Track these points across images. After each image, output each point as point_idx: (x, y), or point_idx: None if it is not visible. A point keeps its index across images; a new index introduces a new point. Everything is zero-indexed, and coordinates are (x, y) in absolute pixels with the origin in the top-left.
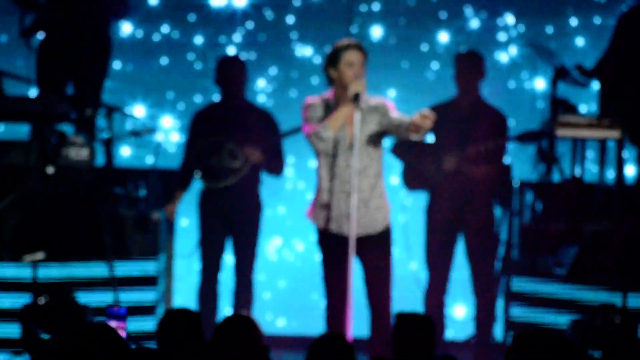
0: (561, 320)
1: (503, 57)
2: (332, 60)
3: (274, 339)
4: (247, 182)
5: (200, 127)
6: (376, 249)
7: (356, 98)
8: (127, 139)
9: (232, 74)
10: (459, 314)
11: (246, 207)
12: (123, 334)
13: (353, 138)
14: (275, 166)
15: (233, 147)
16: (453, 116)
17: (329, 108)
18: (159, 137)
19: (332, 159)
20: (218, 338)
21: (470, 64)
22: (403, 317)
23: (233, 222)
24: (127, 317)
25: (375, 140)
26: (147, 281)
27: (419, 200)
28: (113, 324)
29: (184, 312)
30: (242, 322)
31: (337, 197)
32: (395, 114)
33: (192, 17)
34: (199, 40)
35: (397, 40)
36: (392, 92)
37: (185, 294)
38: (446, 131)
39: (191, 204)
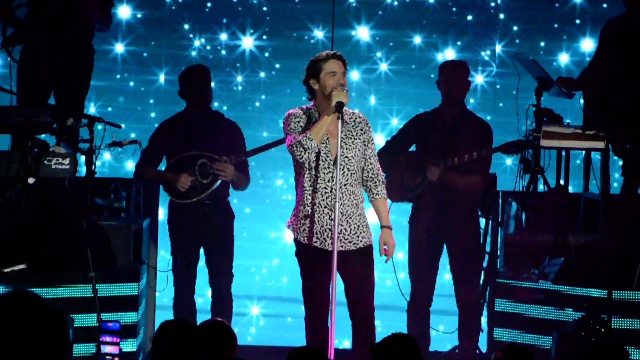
0: (546, 340)
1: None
2: (313, 71)
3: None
4: (217, 194)
5: (165, 137)
6: (358, 261)
7: (339, 107)
8: (109, 150)
9: (196, 84)
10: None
11: (218, 218)
12: (117, 348)
13: (337, 150)
14: (241, 182)
15: (205, 162)
16: (438, 126)
17: (311, 119)
18: (141, 147)
19: (315, 171)
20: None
21: (456, 74)
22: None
23: (205, 233)
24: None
25: (360, 156)
26: (128, 303)
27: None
28: (107, 339)
29: (180, 323)
30: (216, 328)
31: (320, 211)
32: (372, 151)
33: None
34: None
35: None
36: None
37: (163, 306)
38: (431, 141)
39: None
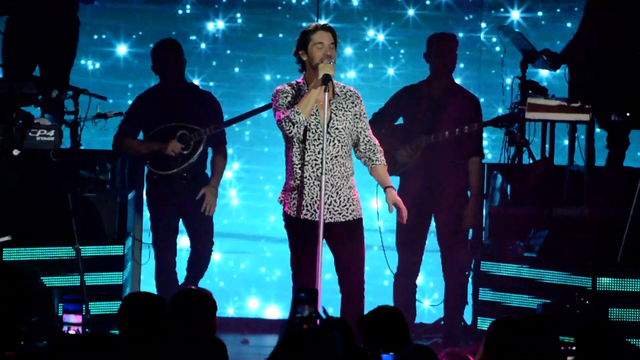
0: (531, 303)
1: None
2: (302, 43)
3: None
4: (195, 165)
5: (142, 110)
6: (346, 234)
7: (326, 80)
8: (95, 122)
9: (168, 57)
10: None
11: (196, 190)
12: (79, 318)
13: (324, 121)
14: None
15: (184, 134)
16: (425, 98)
17: (300, 93)
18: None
19: (304, 144)
20: (172, 310)
21: (444, 46)
22: (368, 316)
23: (185, 204)
24: (83, 305)
25: (350, 128)
26: (113, 264)
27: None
28: (70, 318)
29: (145, 296)
30: (190, 295)
31: (310, 183)
32: (365, 123)
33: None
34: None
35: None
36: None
37: (147, 278)
38: (418, 113)
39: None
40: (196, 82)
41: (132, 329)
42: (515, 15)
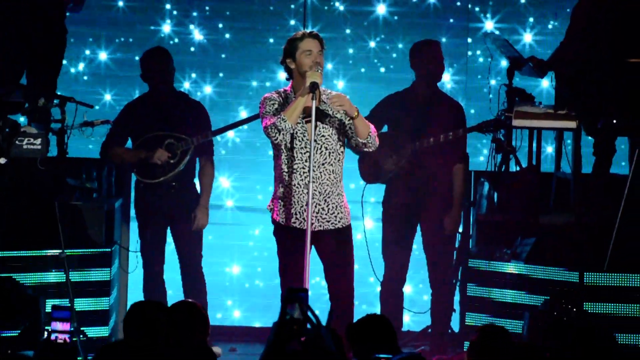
0: (519, 298)
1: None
2: (290, 51)
3: None
4: (183, 174)
5: (131, 118)
6: (335, 242)
7: (313, 88)
8: (82, 129)
9: (157, 65)
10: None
11: (184, 198)
12: (66, 335)
13: (312, 130)
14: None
15: (172, 143)
16: (410, 105)
17: (287, 101)
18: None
19: (292, 152)
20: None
21: (428, 53)
22: (356, 324)
23: (172, 214)
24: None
25: (337, 135)
26: (100, 263)
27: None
28: (57, 325)
29: (150, 305)
30: (187, 309)
31: (298, 191)
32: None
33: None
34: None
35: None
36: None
37: (134, 287)
38: (403, 120)
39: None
40: (187, 85)
41: (134, 335)
42: (489, 25)
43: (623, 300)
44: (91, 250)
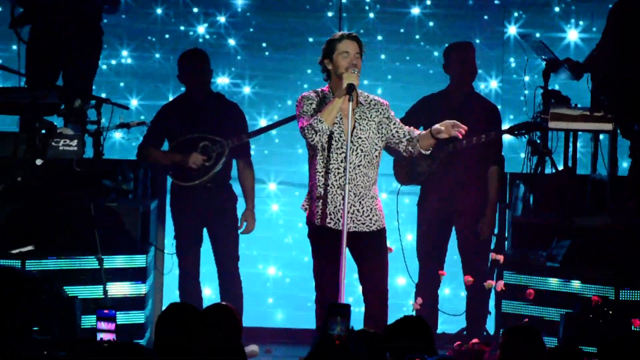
0: (553, 313)
1: None
2: (328, 52)
3: None
4: (219, 176)
5: (167, 120)
6: (370, 243)
7: (350, 89)
8: (117, 131)
9: (194, 67)
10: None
11: (221, 200)
12: (112, 335)
13: (348, 131)
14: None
15: (207, 145)
16: (445, 107)
17: (324, 101)
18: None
19: (327, 152)
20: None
21: (463, 56)
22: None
23: (208, 216)
24: (116, 317)
25: (374, 138)
26: (137, 274)
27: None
28: (102, 325)
29: (183, 307)
30: (219, 312)
31: (333, 192)
32: (398, 122)
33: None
34: (199, 30)
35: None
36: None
37: (170, 288)
38: (438, 122)
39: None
40: (226, 80)
41: (168, 337)
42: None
43: None
44: (126, 266)
